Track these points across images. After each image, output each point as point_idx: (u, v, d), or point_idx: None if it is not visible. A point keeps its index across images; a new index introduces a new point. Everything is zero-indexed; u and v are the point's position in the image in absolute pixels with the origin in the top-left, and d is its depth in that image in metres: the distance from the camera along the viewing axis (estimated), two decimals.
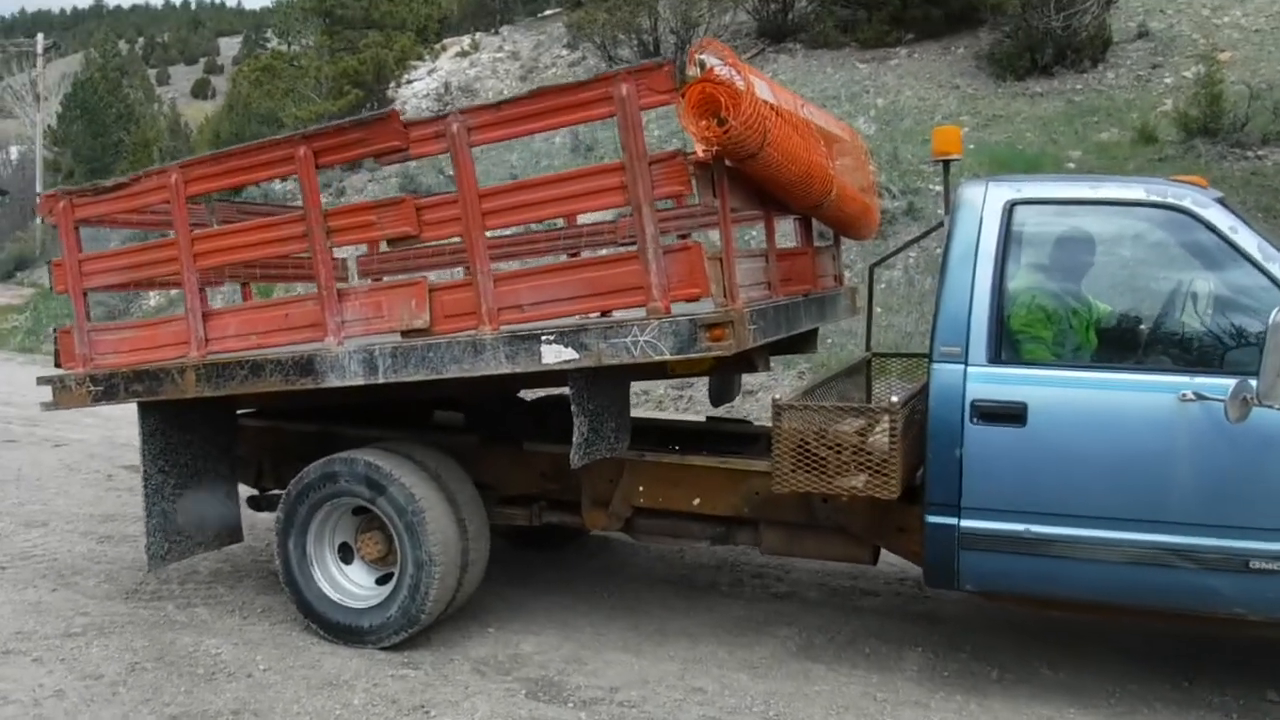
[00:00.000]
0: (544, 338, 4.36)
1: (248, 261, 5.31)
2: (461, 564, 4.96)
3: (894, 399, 4.39)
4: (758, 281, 4.80)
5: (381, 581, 5.11)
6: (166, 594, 5.81)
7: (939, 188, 15.39)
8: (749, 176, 4.45)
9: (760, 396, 11.97)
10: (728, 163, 4.24)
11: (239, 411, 6.00)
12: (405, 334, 4.68)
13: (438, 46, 29.21)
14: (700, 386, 12.38)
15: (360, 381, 4.71)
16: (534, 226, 6.61)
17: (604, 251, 5.86)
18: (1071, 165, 14.74)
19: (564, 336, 4.33)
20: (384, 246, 6.58)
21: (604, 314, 4.51)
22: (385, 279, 6.50)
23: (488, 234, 4.52)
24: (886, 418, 4.31)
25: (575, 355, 4.34)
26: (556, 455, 5.16)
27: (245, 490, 6.11)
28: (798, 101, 4.98)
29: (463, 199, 4.45)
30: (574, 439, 4.49)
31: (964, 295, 4.38)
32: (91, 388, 5.30)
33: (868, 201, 5.93)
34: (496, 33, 30.15)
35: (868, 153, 6.47)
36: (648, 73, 4.15)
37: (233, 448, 5.82)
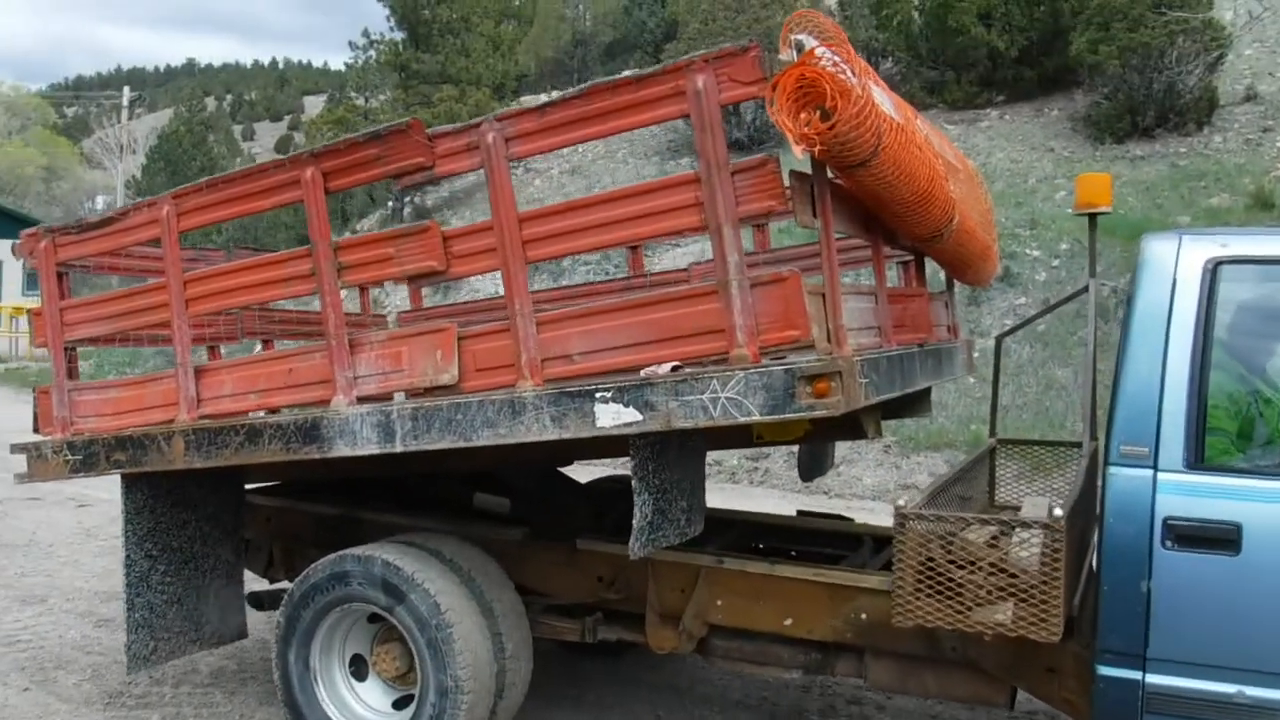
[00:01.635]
0: (599, 395, 3.45)
1: (251, 305, 4.45)
2: (496, 689, 4.01)
3: (1056, 511, 3.36)
4: (867, 325, 3.86)
5: (400, 705, 4.17)
6: (155, 699, 4.94)
7: (1036, 252, 14.67)
8: (855, 193, 3.56)
9: (843, 471, 10.93)
10: (830, 174, 3.35)
11: (248, 486, 5.16)
12: (429, 391, 3.81)
13: (514, 104, 29.03)
14: (780, 457, 11.36)
15: (374, 450, 3.83)
16: (586, 271, 5.73)
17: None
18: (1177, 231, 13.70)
19: (624, 393, 3.42)
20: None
21: (675, 365, 3.58)
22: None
23: (531, 275, 3.65)
24: (1046, 536, 3.31)
25: (638, 417, 3.41)
26: (616, 557, 4.24)
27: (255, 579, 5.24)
28: (910, 111, 4.07)
29: (499, 225, 3.59)
30: (635, 521, 3.55)
31: (1152, 379, 3.37)
32: (69, 456, 4.50)
33: (988, 240, 4.98)
34: None
35: (984, 186, 5.52)
36: (729, 59, 3.28)
37: (238, 529, 4.98)
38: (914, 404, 4.96)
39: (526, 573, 4.51)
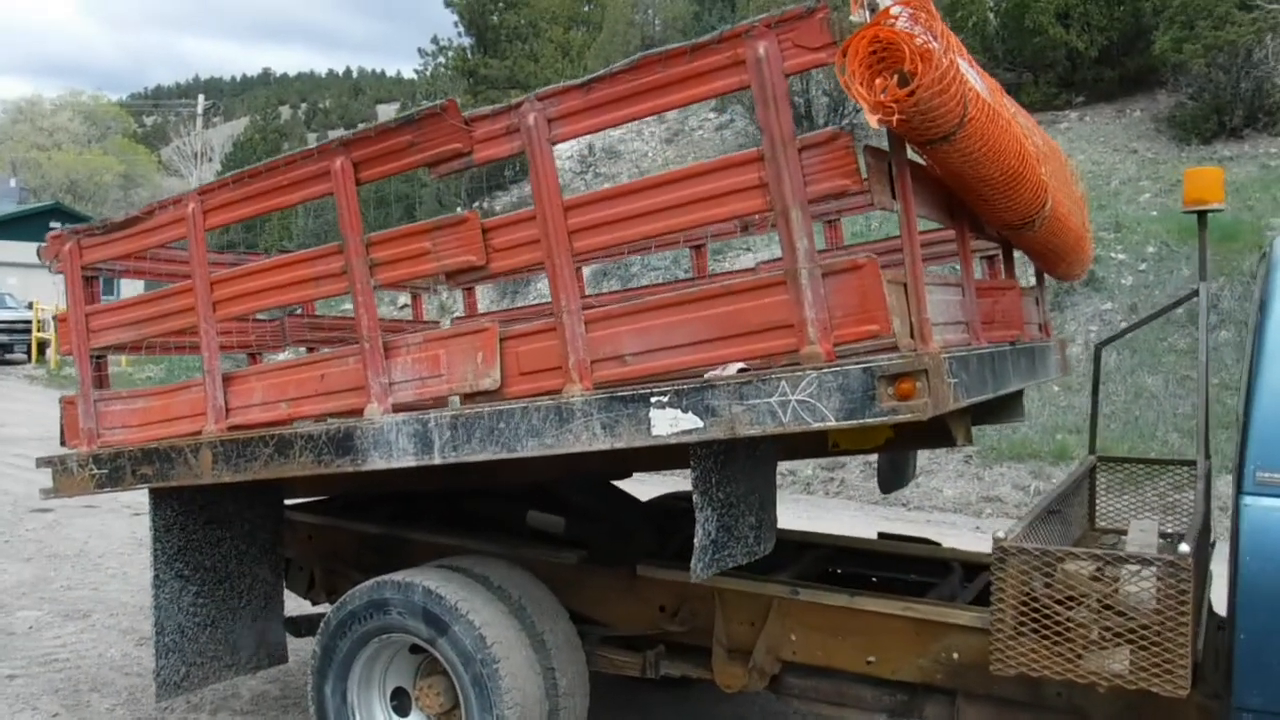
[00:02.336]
0: (654, 399, 3.10)
1: (284, 307, 4.17)
2: None
3: (1184, 547, 2.92)
4: (954, 320, 3.45)
5: None
6: None
7: (1122, 255, 14.00)
8: (938, 173, 3.18)
9: (922, 482, 10.42)
10: (910, 150, 2.97)
11: (289, 501, 4.89)
12: (470, 398, 3.49)
13: None
14: (857, 467, 10.90)
15: (411, 462, 3.52)
16: (655, 276, 5.37)
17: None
18: (1271, 234, 13.00)
19: (682, 397, 3.06)
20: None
21: (743, 367, 3.21)
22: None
23: (578, 269, 3.31)
24: (1172, 574, 2.88)
25: (699, 423, 3.05)
26: (680, 584, 3.88)
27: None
28: (995, 84, 3.67)
29: (542, 214, 3.26)
30: (696, 539, 3.19)
31: None
32: (95, 470, 4.25)
33: (1082, 229, 4.54)
34: None
35: (1075, 172, 5.06)
36: (793, 23, 2.91)
37: (277, 547, 4.70)
38: (1005, 408, 4.51)
39: (583, 600, 4.16)
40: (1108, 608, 2.98)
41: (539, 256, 3.32)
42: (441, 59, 28.08)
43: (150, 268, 4.59)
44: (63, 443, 4.43)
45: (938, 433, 3.59)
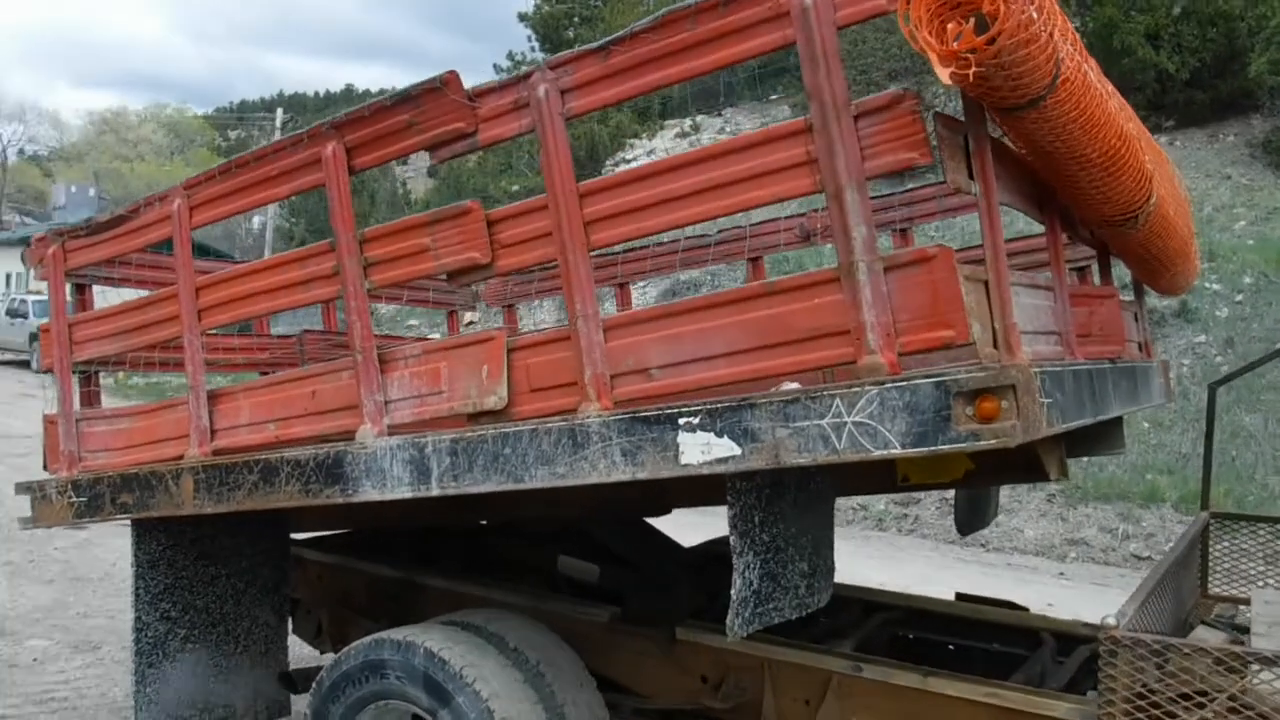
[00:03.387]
0: (684, 421, 2.59)
1: (275, 312, 3.73)
2: None
3: None
4: (1045, 329, 2.90)
5: None
6: None
7: (1216, 286, 13.14)
8: (1023, 153, 2.65)
9: (1001, 521, 9.70)
10: (990, 118, 2.45)
11: (296, 535, 4.46)
12: (474, 418, 3.01)
13: (658, 125, 28.48)
14: (933, 503, 10.21)
15: (407, 493, 3.04)
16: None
17: None
18: None
19: (717, 418, 2.54)
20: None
21: (794, 385, 2.69)
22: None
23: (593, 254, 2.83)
24: None
25: (736, 450, 2.53)
26: (724, 651, 3.37)
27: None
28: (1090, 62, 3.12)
29: (554, 201, 2.79)
30: (734, 590, 2.67)
31: None
32: (74, 498, 3.85)
33: (1188, 233, 3.95)
34: (719, 114, 29.15)
35: (1176, 169, 4.45)
36: None
37: (282, 587, 4.25)
38: (1102, 437, 3.89)
39: (613, 665, 3.64)
40: (1239, 710, 2.38)
41: (552, 252, 2.84)
42: (517, 74, 28.20)
43: (138, 275, 4.20)
44: (45, 466, 4.04)
45: (1026, 464, 3.02)
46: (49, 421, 4.02)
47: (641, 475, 2.67)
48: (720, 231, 5.02)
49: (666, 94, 29.59)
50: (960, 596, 4.24)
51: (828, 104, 2.42)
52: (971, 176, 2.45)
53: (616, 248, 4.24)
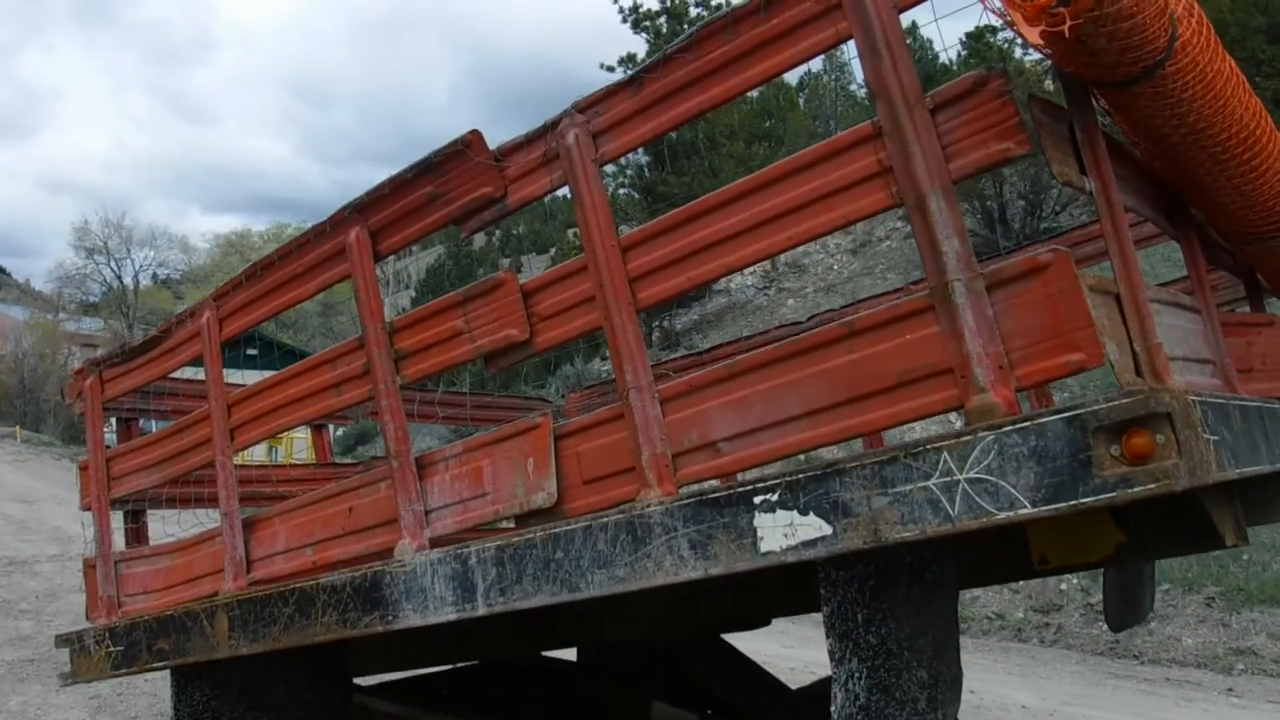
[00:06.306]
0: (759, 500, 2.14)
1: (310, 421, 3.42)
2: None
3: None
4: (1198, 356, 2.39)
5: None
6: None
7: None
8: (1138, 143, 2.21)
9: (1155, 629, 8.78)
10: (1096, 97, 2.04)
11: (358, 681, 4.04)
12: (522, 520, 2.60)
13: None
14: (1077, 609, 9.32)
15: (451, 614, 2.62)
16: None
17: None
18: None
19: (798, 491, 2.09)
20: None
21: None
22: None
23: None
24: None
25: (825, 529, 2.07)
26: None
27: None
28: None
29: (593, 259, 2.42)
30: (834, 705, 2.16)
31: None
32: (111, 647, 3.51)
33: None
34: None
35: None
36: None
37: None
38: (1273, 502, 3.28)
39: None
40: None
41: (596, 320, 2.46)
42: (622, 178, 28.31)
43: (175, 404, 3.94)
44: (87, 615, 3.73)
45: (1191, 529, 2.47)
46: (88, 565, 3.73)
47: (715, 571, 2.21)
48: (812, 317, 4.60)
49: None
50: None
51: (897, 100, 2.03)
52: (1083, 169, 2.01)
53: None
